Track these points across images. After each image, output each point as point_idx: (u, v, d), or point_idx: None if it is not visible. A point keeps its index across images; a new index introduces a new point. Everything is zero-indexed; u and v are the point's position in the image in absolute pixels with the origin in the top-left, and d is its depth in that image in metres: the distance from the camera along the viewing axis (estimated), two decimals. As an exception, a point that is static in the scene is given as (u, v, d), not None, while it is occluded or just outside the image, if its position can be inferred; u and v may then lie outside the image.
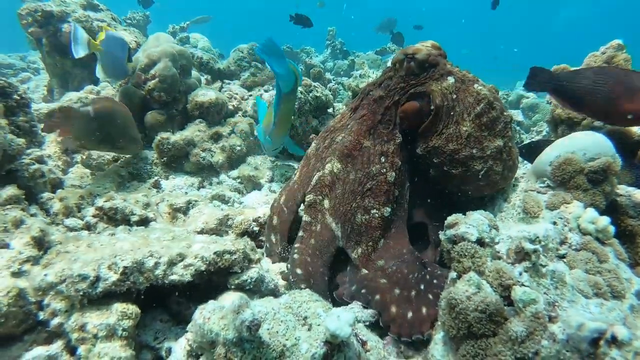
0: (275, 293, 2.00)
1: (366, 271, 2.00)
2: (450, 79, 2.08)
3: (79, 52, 3.50)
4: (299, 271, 2.00)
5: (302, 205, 2.22)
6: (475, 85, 2.10)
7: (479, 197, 2.31)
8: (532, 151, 2.81)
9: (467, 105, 2.06)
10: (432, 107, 2.07)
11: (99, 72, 3.64)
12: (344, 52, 11.25)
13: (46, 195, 2.83)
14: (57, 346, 1.62)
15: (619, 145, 2.26)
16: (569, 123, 3.17)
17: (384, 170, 2.10)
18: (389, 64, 2.33)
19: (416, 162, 2.22)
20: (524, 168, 2.98)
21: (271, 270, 2.19)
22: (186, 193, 3.63)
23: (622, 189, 2.15)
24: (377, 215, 2.06)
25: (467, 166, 2.09)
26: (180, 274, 1.76)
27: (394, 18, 13.97)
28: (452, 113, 2.06)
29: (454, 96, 2.07)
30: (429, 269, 2.02)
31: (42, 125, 3.22)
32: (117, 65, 3.69)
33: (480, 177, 2.12)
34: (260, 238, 2.53)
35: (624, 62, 2.99)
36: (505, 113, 2.16)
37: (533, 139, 5.34)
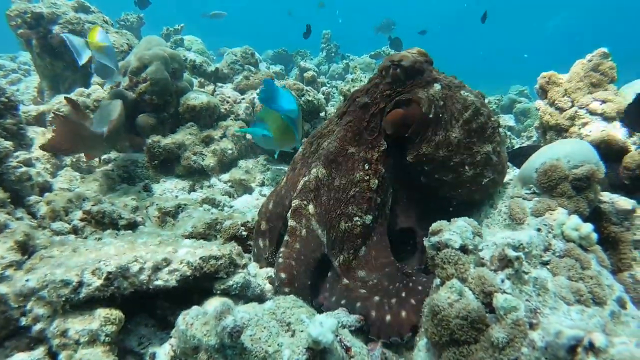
0: (261, 298, 2.00)
1: (347, 281, 2.00)
2: (437, 86, 2.09)
3: (83, 58, 3.43)
4: (282, 275, 2.00)
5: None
6: (462, 92, 2.12)
7: (467, 202, 2.33)
8: (519, 156, 2.83)
9: (455, 111, 2.08)
10: (419, 114, 2.09)
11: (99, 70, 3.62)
12: (339, 53, 11.29)
13: (33, 198, 2.82)
14: (38, 352, 1.62)
15: (604, 153, 2.29)
16: (557, 129, 3.21)
17: (367, 177, 2.10)
18: None
19: (406, 169, 2.23)
20: (512, 174, 3.01)
21: (258, 275, 2.19)
22: (177, 197, 3.62)
23: (606, 196, 2.17)
24: (359, 222, 2.06)
25: (459, 172, 2.11)
26: (165, 279, 1.76)
27: (392, 20, 14.10)
28: (440, 120, 2.08)
29: (442, 103, 2.08)
30: (413, 277, 2.03)
31: (31, 128, 3.22)
32: (109, 67, 3.67)
33: (471, 182, 2.14)
34: (249, 242, 2.53)
35: (609, 69, 3.04)
36: (492, 118, 2.19)
37: (523, 144, 5.38)
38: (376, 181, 2.10)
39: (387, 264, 2.03)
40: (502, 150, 2.25)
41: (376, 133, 2.17)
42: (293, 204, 2.12)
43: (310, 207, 2.09)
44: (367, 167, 2.12)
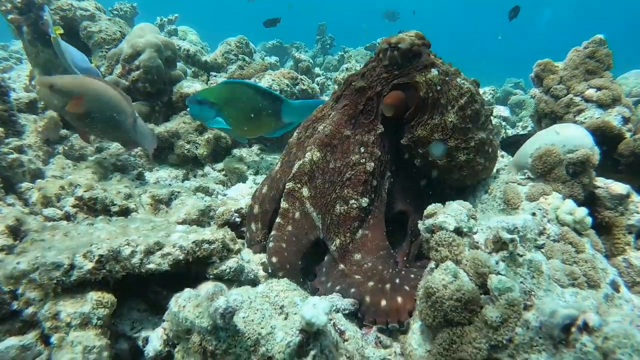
0: (255, 283, 1.99)
1: (343, 266, 2.00)
2: (434, 71, 2.08)
3: (51, 32, 3.57)
4: (274, 259, 2.00)
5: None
6: (458, 79, 2.12)
7: (460, 187, 2.34)
8: (514, 144, 2.84)
9: (451, 97, 2.07)
10: (416, 98, 2.08)
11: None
12: (334, 45, 11.26)
13: (25, 185, 2.79)
14: (31, 336, 1.60)
15: (599, 138, 2.29)
16: (552, 117, 3.20)
17: (363, 160, 2.09)
18: None
19: (401, 152, 2.23)
20: (507, 160, 3.01)
21: (252, 260, 2.18)
22: (170, 185, 3.59)
23: (600, 181, 2.18)
24: (355, 205, 2.05)
25: (452, 157, 2.12)
26: (158, 262, 1.74)
27: (397, 11, 14.22)
28: (436, 104, 2.07)
29: (439, 88, 2.07)
30: (406, 265, 2.03)
31: (22, 115, 3.18)
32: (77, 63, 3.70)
33: (464, 167, 2.14)
34: (242, 229, 2.52)
35: (605, 56, 3.03)
36: (486, 106, 2.20)
37: (517, 133, 5.38)
38: (372, 164, 2.09)
39: (382, 247, 2.02)
40: (494, 138, 2.27)
41: (372, 116, 2.15)
42: (287, 187, 2.11)
43: (304, 190, 2.08)
44: (362, 150, 2.11)
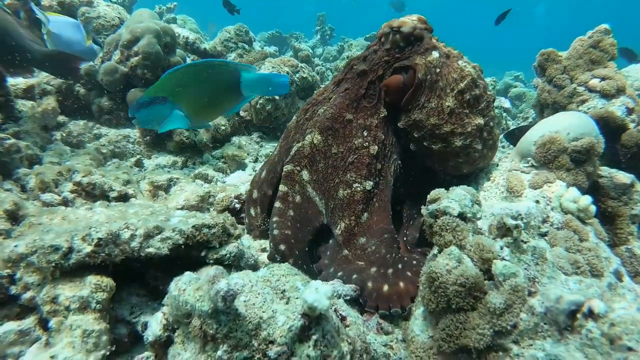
0: (255, 269, 1.97)
1: (347, 252, 1.98)
2: (435, 54, 2.06)
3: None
4: (282, 247, 1.97)
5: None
6: (460, 62, 2.08)
7: (459, 174, 2.31)
8: (517, 136, 2.81)
9: (451, 80, 2.04)
10: (415, 81, 2.05)
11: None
12: (333, 36, 11.21)
13: (22, 170, 2.76)
14: (29, 321, 1.58)
15: (603, 128, 2.27)
16: (554, 107, 3.18)
17: (367, 143, 2.07)
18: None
19: (398, 136, 2.20)
20: (509, 150, 2.99)
21: (252, 246, 2.16)
22: (169, 172, 3.57)
23: (604, 171, 2.16)
24: (359, 188, 2.03)
25: (447, 142, 2.09)
26: (157, 246, 1.72)
27: (403, 1, 14.37)
28: (434, 87, 2.04)
29: (438, 70, 2.05)
30: (408, 251, 2.02)
31: (20, 101, 3.15)
32: (73, 47, 3.60)
33: (459, 154, 2.11)
34: (242, 215, 2.50)
35: (610, 46, 3.00)
36: (488, 92, 2.16)
37: (520, 125, 5.36)
38: (376, 147, 2.07)
39: (386, 230, 2.01)
40: (494, 125, 2.24)
41: (375, 100, 2.13)
42: (285, 169, 2.08)
43: (305, 173, 2.06)
44: (366, 134, 2.08)
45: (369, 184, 2.04)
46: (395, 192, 2.19)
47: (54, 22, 3.54)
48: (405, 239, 2.14)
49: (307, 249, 2.00)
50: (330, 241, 2.05)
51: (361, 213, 2.03)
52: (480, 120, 2.09)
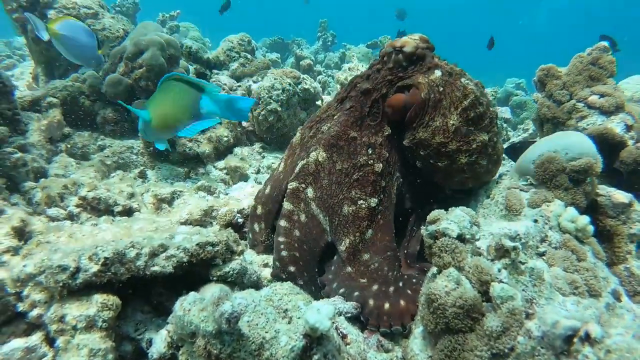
0: (257, 285, 2.00)
1: (350, 269, 2.01)
2: (438, 72, 2.09)
3: (43, 36, 3.49)
4: (292, 269, 2.00)
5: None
6: (463, 80, 2.12)
7: (462, 190, 2.34)
8: (517, 151, 2.84)
9: (454, 99, 2.08)
10: (418, 99, 2.09)
11: (67, 56, 3.58)
12: (335, 42, 11.28)
13: (28, 184, 2.80)
14: (36, 338, 1.61)
15: (601, 146, 2.29)
16: (554, 122, 3.21)
17: (371, 161, 2.11)
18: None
19: (403, 153, 2.23)
20: (508, 166, 3.02)
21: (255, 262, 2.19)
22: (172, 183, 3.60)
23: (603, 189, 2.18)
24: (364, 205, 2.06)
25: (453, 159, 2.12)
26: (162, 265, 1.75)
27: (404, 9, 14.52)
28: (438, 106, 2.08)
29: (441, 89, 2.08)
30: (407, 262, 2.05)
31: (26, 113, 3.18)
32: (83, 51, 3.61)
33: (465, 170, 2.15)
34: (245, 230, 2.53)
35: (608, 63, 3.04)
36: (491, 109, 2.19)
37: (520, 137, 5.39)
38: (381, 165, 2.11)
39: (389, 248, 2.04)
40: (498, 140, 2.27)
41: (379, 118, 2.17)
42: (290, 187, 2.11)
43: (309, 191, 2.09)
44: (370, 152, 2.12)
45: (373, 201, 2.07)
46: (399, 208, 2.22)
47: (69, 26, 3.56)
48: (405, 252, 2.17)
49: (316, 269, 2.04)
50: (335, 257, 2.08)
51: (366, 229, 2.06)
52: (484, 137, 2.12)
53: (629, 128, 2.86)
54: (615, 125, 2.88)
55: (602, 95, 2.99)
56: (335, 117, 2.23)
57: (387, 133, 2.16)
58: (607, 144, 2.53)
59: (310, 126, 2.35)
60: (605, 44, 3.08)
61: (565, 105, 3.12)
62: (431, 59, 2.16)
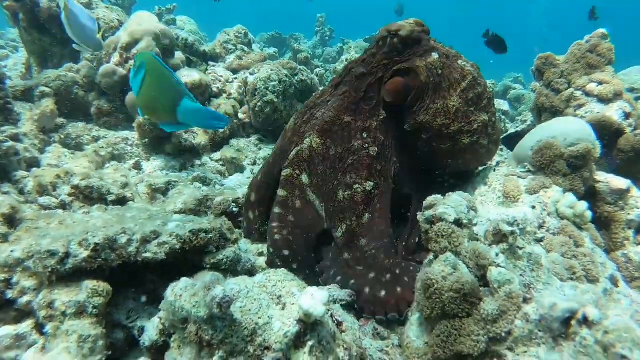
0: (252, 273, 1.98)
1: (347, 255, 1.98)
2: (435, 55, 2.07)
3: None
4: (285, 252, 1.98)
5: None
6: (460, 62, 2.10)
7: (460, 177, 2.32)
8: (515, 141, 2.81)
9: (453, 80, 2.06)
10: (417, 83, 2.06)
11: (70, 34, 3.49)
12: (333, 37, 11.24)
13: (20, 173, 2.77)
14: (26, 325, 1.58)
15: (599, 134, 2.27)
16: (552, 111, 3.18)
17: (366, 145, 2.08)
18: None
19: (404, 138, 2.21)
20: (506, 155, 2.99)
21: (249, 250, 2.16)
22: (167, 174, 3.57)
23: (601, 176, 2.16)
24: (359, 190, 2.03)
25: (455, 140, 2.10)
26: (154, 251, 1.72)
27: (402, 4, 14.64)
28: (438, 88, 2.06)
29: (440, 71, 2.06)
30: (406, 259, 2.03)
31: (18, 103, 3.14)
32: (85, 31, 3.55)
33: (467, 150, 2.13)
34: (240, 219, 2.50)
35: (607, 51, 3.01)
36: (488, 89, 2.19)
37: (518, 128, 5.37)
38: (376, 148, 2.08)
39: (386, 234, 2.01)
40: (496, 120, 2.28)
41: (374, 102, 2.14)
42: (284, 173, 2.09)
43: (304, 177, 2.06)
44: (365, 136, 2.09)
45: (369, 185, 2.04)
46: (397, 194, 2.19)
47: (74, 4, 3.51)
48: (404, 244, 2.15)
49: (312, 254, 2.01)
50: (333, 244, 2.06)
51: (362, 214, 2.03)
52: (484, 117, 2.12)
53: (627, 115, 2.84)
54: (614, 112, 2.86)
55: (600, 83, 2.96)
56: (330, 102, 2.20)
57: (382, 117, 2.13)
58: (606, 132, 2.51)
59: (304, 112, 2.32)
60: (603, 30, 3.05)
61: (563, 93, 3.09)
62: (427, 42, 2.14)
